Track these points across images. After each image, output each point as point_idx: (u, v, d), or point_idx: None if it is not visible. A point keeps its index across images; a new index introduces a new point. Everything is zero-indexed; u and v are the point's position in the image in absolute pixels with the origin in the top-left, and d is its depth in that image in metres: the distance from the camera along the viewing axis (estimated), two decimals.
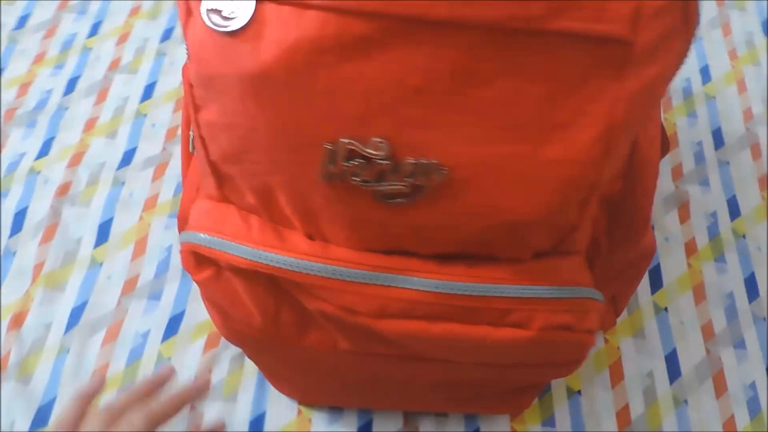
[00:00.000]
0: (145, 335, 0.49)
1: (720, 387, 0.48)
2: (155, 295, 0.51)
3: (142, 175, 0.56)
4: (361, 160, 0.25)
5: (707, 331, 0.50)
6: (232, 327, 0.35)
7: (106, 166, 0.57)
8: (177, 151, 0.58)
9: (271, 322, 0.33)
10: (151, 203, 0.55)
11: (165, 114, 0.60)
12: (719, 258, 0.53)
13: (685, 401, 0.48)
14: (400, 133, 0.25)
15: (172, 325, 0.50)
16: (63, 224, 0.54)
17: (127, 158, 0.57)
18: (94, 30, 0.65)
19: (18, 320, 0.49)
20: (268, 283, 0.31)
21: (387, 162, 0.25)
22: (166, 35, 0.65)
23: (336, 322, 0.31)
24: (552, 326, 0.30)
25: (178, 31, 0.65)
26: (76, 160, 0.57)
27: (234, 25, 0.24)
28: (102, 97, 0.61)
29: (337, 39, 0.23)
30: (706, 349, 0.49)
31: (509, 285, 0.29)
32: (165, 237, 0.54)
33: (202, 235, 0.31)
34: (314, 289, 0.30)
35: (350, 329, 0.31)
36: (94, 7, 0.66)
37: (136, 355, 0.48)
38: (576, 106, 0.25)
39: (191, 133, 0.34)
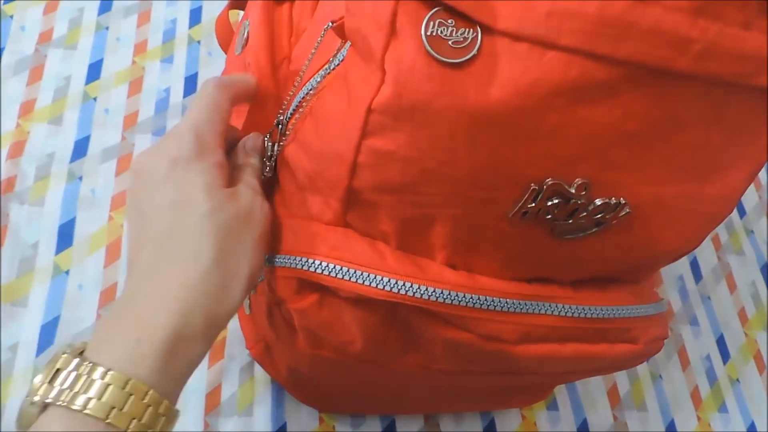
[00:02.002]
0: None
1: (684, 360, 0.54)
2: None
3: (102, 168, 0.50)
4: (560, 200, 0.25)
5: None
6: (320, 353, 0.33)
7: (57, 158, 0.49)
8: (139, 140, 0.51)
9: (375, 347, 0.31)
10: (119, 201, 0.49)
11: (119, 98, 0.53)
12: None
13: (660, 376, 0.53)
14: (601, 175, 0.25)
15: None
16: (13, 227, 0.46)
17: (80, 149, 0.50)
18: None
19: None
20: (387, 313, 0.30)
21: (582, 201, 0.25)
22: (105, 7, 0.57)
23: (463, 350, 0.30)
24: (654, 339, 0.33)
25: (119, 1, 0.57)
26: (16, 151, 0.48)
27: (462, 57, 0.22)
28: (36, 75, 0.52)
29: (578, 83, 0.22)
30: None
31: (631, 306, 0.31)
32: None
33: (316, 261, 0.29)
34: (456, 320, 0.29)
35: (468, 355, 0.31)
36: None
37: None
38: (740, 149, 0.27)
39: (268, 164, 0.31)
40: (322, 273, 0.28)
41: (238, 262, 0.26)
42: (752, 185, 0.66)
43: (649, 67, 0.23)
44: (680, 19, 0.22)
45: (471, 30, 0.22)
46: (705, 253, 0.61)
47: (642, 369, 0.53)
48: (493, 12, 0.22)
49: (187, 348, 0.24)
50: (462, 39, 0.22)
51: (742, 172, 0.28)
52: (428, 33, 0.22)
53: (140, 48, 0.56)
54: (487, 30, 0.22)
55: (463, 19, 0.22)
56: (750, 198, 0.66)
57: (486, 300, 0.28)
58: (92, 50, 0.54)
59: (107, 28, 0.56)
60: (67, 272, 0.45)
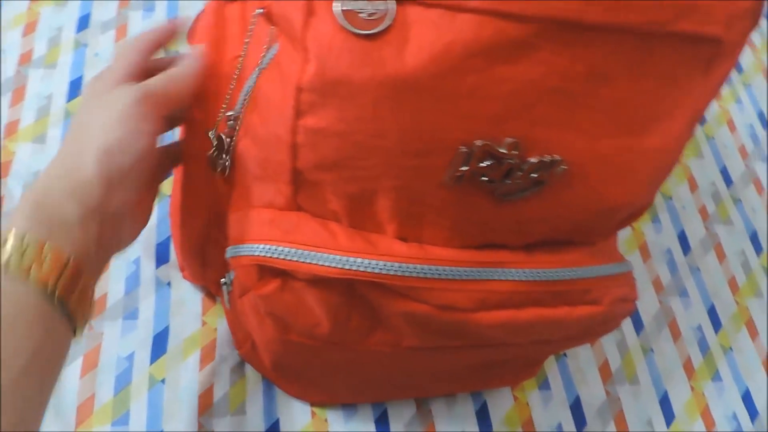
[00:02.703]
0: (130, 358, 0.45)
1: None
2: (131, 314, 0.47)
3: None
4: (493, 161, 0.26)
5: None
6: (288, 338, 0.34)
7: None
8: None
9: (341, 328, 0.32)
10: None
11: None
12: (655, 219, 0.60)
13: (651, 349, 0.53)
14: (530, 132, 0.26)
15: (159, 344, 0.46)
16: None
17: None
18: None
19: None
20: (346, 291, 0.31)
21: (515, 161, 0.26)
22: (83, 23, 0.58)
23: (422, 321, 0.31)
24: (618, 299, 0.33)
25: (96, 17, 0.58)
26: (3, 172, 0.50)
27: (375, 28, 0.23)
28: (19, 96, 0.53)
29: (492, 42, 0.23)
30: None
31: (588, 266, 0.31)
32: (130, 251, 0.49)
33: (271, 246, 0.30)
34: (410, 291, 0.29)
35: (432, 327, 0.32)
36: None
37: (124, 381, 0.44)
38: (674, 99, 0.27)
39: (225, 159, 0.32)
40: (278, 257, 0.29)
41: (91, 135, 0.29)
42: (738, 153, 0.66)
43: (560, 21, 0.23)
44: None
45: (384, 2, 0.23)
46: (693, 224, 0.61)
47: (633, 342, 0.53)
48: None
49: (55, 203, 0.28)
50: (376, 11, 0.23)
51: (680, 122, 0.28)
52: (343, 8, 0.23)
53: None
54: (400, 0, 0.23)
55: None
56: (736, 166, 0.66)
57: (437, 270, 0.29)
58: (72, 67, 0.55)
59: (86, 45, 0.57)
60: None
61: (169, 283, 0.48)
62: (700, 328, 0.55)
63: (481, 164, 0.26)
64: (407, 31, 0.24)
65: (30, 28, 0.57)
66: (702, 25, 0.26)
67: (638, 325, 0.54)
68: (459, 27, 0.23)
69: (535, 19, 0.23)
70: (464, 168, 0.26)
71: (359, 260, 0.29)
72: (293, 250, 0.29)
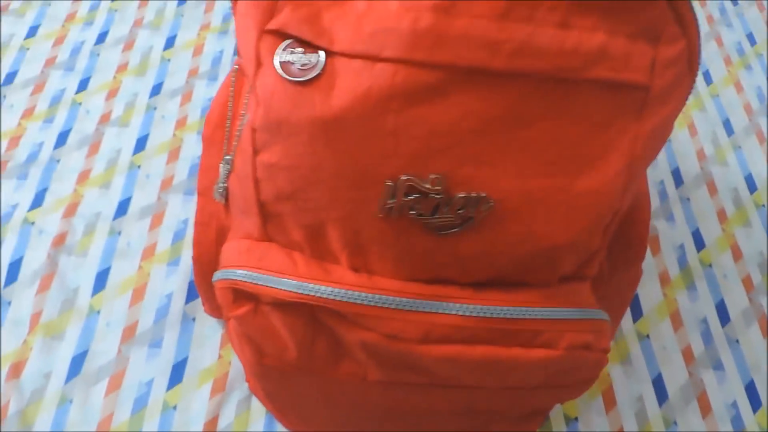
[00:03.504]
0: (149, 384, 0.49)
1: (705, 407, 0.51)
2: (156, 343, 0.51)
3: (138, 224, 0.57)
4: (418, 195, 0.28)
5: (688, 355, 0.54)
6: (263, 362, 0.36)
7: (102, 216, 0.57)
8: (172, 200, 0.59)
9: (307, 354, 0.34)
10: (149, 252, 0.56)
11: (159, 165, 0.61)
12: (690, 286, 0.58)
13: (675, 422, 0.50)
14: (454, 170, 0.28)
15: (176, 373, 0.50)
16: (60, 274, 0.54)
17: (123, 208, 0.58)
18: (83, 85, 0.66)
19: (16, 370, 0.48)
20: (307, 317, 0.33)
21: (441, 196, 0.28)
22: (156, 90, 0.67)
23: (375, 351, 0.32)
24: (576, 345, 0.33)
25: (167, 86, 0.67)
26: (70, 211, 0.57)
27: (307, 76, 0.27)
28: (94, 149, 0.62)
29: (406, 87, 0.26)
30: (689, 372, 0.53)
31: (540, 308, 0.32)
32: (164, 285, 0.54)
33: (243, 271, 0.33)
34: (360, 319, 0.31)
35: (386, 358, 0.33)
36: (81, 64, 0.68)
37: (141, 404, 0.48)
38: (605, 143, 0.28)
39: (222, 185, 0.36)
40: (246, 281, 0.32)
41: None
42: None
43: (466, 68, 0.26)
44: (487, 25, 0.25)
45: (315, 54, 0.27)
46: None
47: (654, 413, 0.51)
48: (330, 37, 0.26)
49: None
50: (308, 62, 0.27)
51: (615, 165, 0.29)
52: (281, 60, 0.27)
53: (181, 123, 0.64)
54: (328, 52, 0.26)
55: (308, 45, 0.27)
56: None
57: (381, 299, 0.30)
58: (141, 126, 0.64)
59: (155, 108, 0.65)
60: (98, 312, 0.52)
61: (194, 318, 0.52)
62: (735, 405, 0.52)
63: (408, 198, 0.28)
64: (334, 79, 0.27)
65: (112, 94, 0.66)
66: (618, 72, 0.27)
67: (662, 395, 0.52)
68: (377, 74, 0.26)
69: (442, 66, 0.26)
70: (392, 201, 0.28)
71: (313, 286, 0.31)
72: (260, 275, 0.33)
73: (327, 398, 0.39)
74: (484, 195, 0.28)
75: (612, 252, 0.40)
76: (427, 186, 0.28)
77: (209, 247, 0.42)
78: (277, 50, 0.27)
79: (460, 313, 0.31)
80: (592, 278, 0.37)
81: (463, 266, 0.31)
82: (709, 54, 0.75)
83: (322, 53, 0.27)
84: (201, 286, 0.47)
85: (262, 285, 0.32)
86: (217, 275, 0.35)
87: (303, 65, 0.27)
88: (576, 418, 0.50)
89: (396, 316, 0.31)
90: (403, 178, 0.28)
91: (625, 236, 0.40)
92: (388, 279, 0.31)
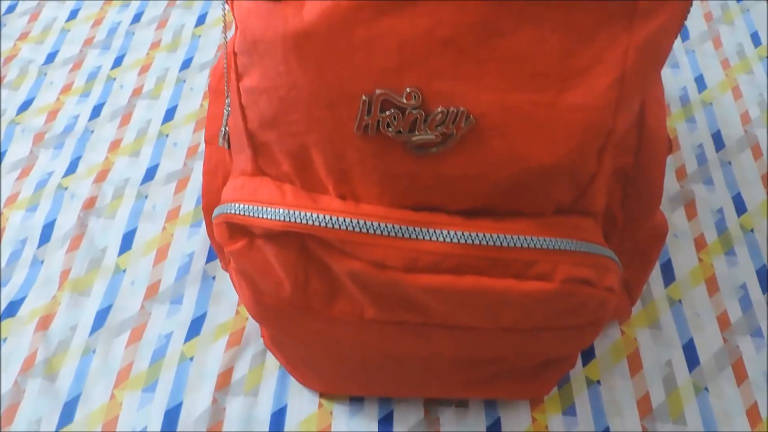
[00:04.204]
0: (168, 336, 0.50)
1: (740, 375, 0.48)
2: (177, 299, 0.52)
3: (164, 189, 0.59)
4: (395, 110, 0.27)
5: (723, 321, 0.51)
6: (261, 300, 0.36)
7: (130, 182, 0.59)
8: (198, 166, 0.60)
9: (301, 289, 0.34)
10: (173, 214, 0.57)
11: (186, 134, 0.63)
12: (729, 251, 0.54)
13: (706, 388, 0.48)
14: (430, 84, 0.27)
15: (195, 327, 0.51)
16: (89, 235, 0.56)
17: (150, 174, 0.60)
18: (118, 62, 0.69)
19: (45, 323, 0.50)
20: (299, 249, 0.33)
21: (419, 111, 0.27)
22: (186, 65, 0.68)
23: (364, 282, 0.32)
24: (574, 279, 0.31)
25: (196, 60, 0.69)
26: (101, 177, 0.59)
27: None
28: (126, 120, 0.64)
29: None
30: (723, 338, 0.50)
31: (532, 236, 0.31)
32: (187, 245, 0.55)
33: (236, 205, 0.33)
34: (346, 246, 0.31)
35: (378, 291, 0.32)
36: (117, 43, 0.71)
37: (159, 355, 0.49)
38: (592, 54, 0.27)
39: (224, 129, 0.37)
40: (238, 214, 0.33)
41: None
42: None
43: None
44: None
45: None
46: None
47: (683, 380, 0.48)
48: None
49: None
50: None
51: (605, 79, 0.27)
52: None
53: (208, 95, 0.66)
54: None
55: None
56: None
57: (366, 224, 0.30)
58: (170, 98, 0.66)
59: (184, 81, 0.67)
60: (124, 271, 0.54)
61: (213, 277, 0.53)
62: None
63: (384, 113, 0.28)
64: None
65: (144, 69, 0.68)
66: None
67: (692, 361, 0.49)
68: None
69: None
70: (368, 117, 0.28)
71: (300, 213, 0.31)
72: (251, 207, 0.33)
73: (328, 343, 0.39)
74: (463, 110, 0.27)
75: (626, 200, 0.38)
76: (403, 101, 0.27)
77: (217, 195, 0.43)
78: None
79: (448, 240, 0.30)
80: (598, 220, 0.35)
81: (449, 189, 0.30)
82: (759, 15, 0.71)
83: None
84: (211, 235, 0.47)
85: (251, 216, 0.32)
86: (215, 212, 0.36)
87: None
88: (598, 381, 0.48)
89: (381, 242, 0.30)
90: (378, 92, 0.27)
91: (637, 179, 0.38)
92: (374, 205, 0.31)
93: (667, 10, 0.28)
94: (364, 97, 0.28)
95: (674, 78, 0.66)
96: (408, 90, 0.27)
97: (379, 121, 0.28)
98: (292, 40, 0.27)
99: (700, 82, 0.65)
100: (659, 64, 0.30)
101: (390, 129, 0.28)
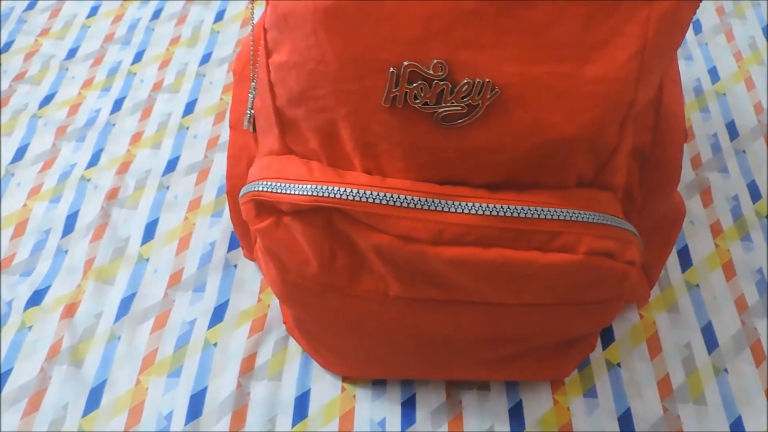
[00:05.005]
0: (192, 323, 0.51)
1: (758, 355, 0.49)
2: (200, 287, 0.53)
3: (185, 180, 0.60)
4: (423, 82, 0.28)
5: (740, 304, 0.51)
6: (287, 279, 0.37)
7: (152, 173, 0.60)
8: (218, 158, 0.61)
9: (327, 267, 0.35)
10: (195, 205, 0.58)
11: (206, 126, 0.64)
12: (745, 237, 0.55)
13: (725, 369, 0.48)
14: (456, 55, 0.28)
15: (218, 314, 0.51)
16: (112, 225, 0.56)
17: (171, 166, 0.61)
18: (138, 57, 0.70)
19: (70, 310, 0.51)
20: (326, 226, 0.34)
21: (445, 83, 0.28)
22: (205, 59, 0.70)
23: (390, 256, 0.33)
24: (596, 251, 0.32)
25: (215, 55, 0.70)
26: (123, 169, 0.60)
27: None
28: (147, 114, 0.65)
29: None
30: (741, 321, 0.50)
31: (556, 208, 0.31)
32: (208, 234, 0.56)
33: (264, 183, 0.34)
34: (373, 220, 0.31)
35: (404, 266, 0.33)
36: (137, 38, 0.72)
37: (183, 341, 0.50)
38: (612, 26, 0.28)
39: (249, 112, 0.38)
40: (265, 191, 0.33)
41: None
42: None
43: None
44: None
45: None
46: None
47: (703, 360, 0.48)
48: None
49: None
50: None
51: (625, 51, 0.28)
52: None
53: (228, 88, 0.67)
54: None
55: None
56: None
57: (393, 197, 0.31)
58: (190, 92, 0.67)
59: (204, 75, 0.68)
60: (147, 260, 0.55)
61: (235, 265, 0.54)
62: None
63: (412, 85, 0.28)
64: None
65: (164, 64, 0.69)
66: None
67: (711, 343, 0.49)
68: None
69: None
70: (396, 89, 0.29)
71: (326, 188, 0.32)
72: (278, 184, 0.34)
73: (351, 322, 0.40)
74: (488, 81, 0.28)
75: (644, 178, 0.39)
76: (430, 72, 0.28)
77: (241, 179, 0.44)
78: None
79: (473, 212, 0.31)
80: (617, 196, 0.36)
81: (473, 162, 0.31)
82: None
83: None
84: (235, 221, 0.48)
85: (279, 192, 0.33)
86: (242, 191, 0.36)
87: None
88: (618, 364, 0.48)
89: (407, 214, 0.31)
90: (406, 63, 0.28)
91: (657, 160, 0.38)
92: (400, 179, 0.32)
93: None
94: (392, 69, 0.28)
95: (688, 70, 0.66)
96: (435, 61, 0.28)
97: (406, 93, 0.29)
98: (322, 11, 0.28)
99: (714, 74, 0.66)
100: (679, 37, 0.31)
101: (417, 101, 0.29)
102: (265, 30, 0.31)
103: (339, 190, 0.31)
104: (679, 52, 0.68)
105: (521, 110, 0.29)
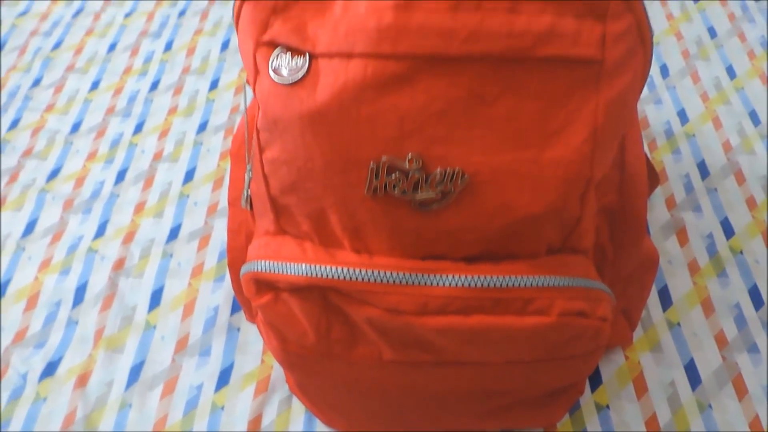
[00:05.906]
0: (199, 387, 0.53)
1: (741, 390, 0.51)
2: (205, 351, 0.55)
3: (188, 247, 0.63)
4: (400, 173, 0.32)
5: (720, 340, 0.54)
6: (287, 348, 0.40)
7: (156, 242, 0.63)
8: (218, 224, 0.64)
9: (324, 337, 0.38)
10: (197, 271, 0.61)
11: (205, 193, 0.67)
12: (721, 273, 0.58)
13: (710, 405, 0.50)
14: (429, 149, 0.31)
15: (223, 377, 0.54)
16: (120, 294, 0.59)
17: (174, 233, 0.64)
18: (139, 128, 0.74)
19: (82, 380, 0.54)
20: (321, 301, 0.37)
21: (420, 173, 0.31)
22: (201, 128, 0.73)
23: (381, 327, 0.36)
24: (569, 312, 0.35)
25: (211, 123, 0.74)
26: (128, 239, 0.64)
27: (295, 78, 0.31)
28: (149, 183, 0.68)
29: (376, 78, 0.30)
30: (722, 356, 0.53)
31: (528, 276, 0.34)
32: (211, 299, 0.59)
33: (262, 262, 0.37)
34: (363, 295, 0.34)
35: (394, 335, 0.36)
36: (137, 110, 0.76)
37: (191, 406, 0.52)
38: (566, 115, 0.31)
39: (246, 192, 0.41)
40: (263, 271, 0.36)
41: None
42: None
43: (427, 56, 0.29)
44: (441, 17, 0.29)
45: (302, 57, 0.31)
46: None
47: (687, 397, 0.51)
48: (314, 42, 0.31)
49: None
50: (296, 65, 0.31)
51: (580, 135, 0.31)
52: (273, 66, 0.32)
53: (224, 155, 0.70)
54: (312, 55, 0.31)
55: (296, 51, 0.31)
56: None
57: (380, 274, 0.34)
58: (189, 160, 0.70)
59: (201, 143, 0.72)
60: (154, 327, 0.57)
61: (238, 328, 0.57)
62: None
63: (391, 176, 0.32)
64: (317, 77, 0.31)
65: (163, 134, 0.73)
66: (569, 49, 0.30)
67: (695, 380, 0.52)
68: (351, 69, 0.30)
69: (406, 56, 0.30)
70: (377, 181, 0.32)
71: (320, 268, 0.35)
72: (275, 264, 0.37)
73: (350, 384, 0.42)
74: (458, 169, 0.31)
75: (614, 234, 0.42)
76: (406, 165, 0.31)
77: (241, 252, 0.47)
78: (270, 58, 0.32)
79: (453, 284, 0.34)
80: (588, 256, 0.39)
81: (451, 240, 0.34)
82: (732, 49, 0.75)
83: (307, 56, 0.31)
84: (237, 290, 0.51)
85: (278, 273, 0.36)
86: (243, 269, 0.39)
87: (292, 69, 0.32)
88: (607, 406, 0.51)
89: (394, 290, 0.34)
90: (384, 159, 0.31)
91: (623, 217, 0.41)
92: (386, 257, 0.35)
93: (629, 72, 0.32)
94: (372, 163, 0.32)
95: (658, 113, 0.70)
96: (410, 156, 0.31)
97: (386, 184, 0.32)
98: (307, 118, 0.32)
99: (683, 116, 0.70)
100: (629, 113, 0.34)
101: (396, 190, 0.32)
102: (258, 130, 0.34)
103: (331, 269, 0.34)
104: (649, 96, 0.72)
105: (490, 194, 0.32)
